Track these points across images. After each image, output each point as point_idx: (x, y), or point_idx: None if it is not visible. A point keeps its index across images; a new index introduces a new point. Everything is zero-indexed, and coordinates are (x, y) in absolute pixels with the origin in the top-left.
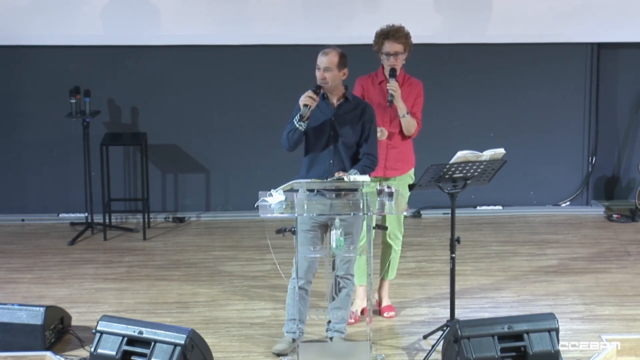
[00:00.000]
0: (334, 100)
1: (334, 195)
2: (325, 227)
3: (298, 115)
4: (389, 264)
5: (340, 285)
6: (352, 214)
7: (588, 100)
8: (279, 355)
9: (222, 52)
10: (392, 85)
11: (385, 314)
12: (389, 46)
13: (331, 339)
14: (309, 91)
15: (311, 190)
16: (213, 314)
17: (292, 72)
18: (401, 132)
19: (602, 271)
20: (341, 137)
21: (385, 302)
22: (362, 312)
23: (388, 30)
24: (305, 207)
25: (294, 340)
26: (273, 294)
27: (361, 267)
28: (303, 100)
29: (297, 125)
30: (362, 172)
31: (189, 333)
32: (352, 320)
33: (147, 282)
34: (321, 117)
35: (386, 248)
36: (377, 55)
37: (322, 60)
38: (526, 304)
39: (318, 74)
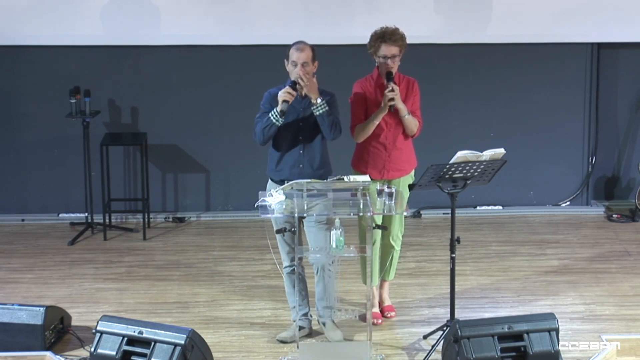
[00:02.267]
0: (303, 93)
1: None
2: (300, 220)
3: (278, 111)
4: (390, 265)
5: (319, 278)
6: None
7: (588, 100)
8: (282, 342)
9: (222, 52)
10: (390, 91)
11: (386, 314)
12: (386, 49)
13: (324, 324)
14: (287, 87)
15: (280, 183)
16: (213, 314)
17: None
18: (403, 132)
19: (602, 271)
20: (309, 128)
21: (387, 302)
22: (382, 311)
23: (383, 32)
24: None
25: (301, 328)
26: (273, 294)
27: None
28: (282, 96)
29: (274, 121)
30: (329, 114)
31: (189, 333)
32: (380, 321)
33: (147, 282)
34: (291, 110)
35: (387, 249)
36: (372, 57)
37: (299, 57)
38: (526, 304)
39: (295, 69)
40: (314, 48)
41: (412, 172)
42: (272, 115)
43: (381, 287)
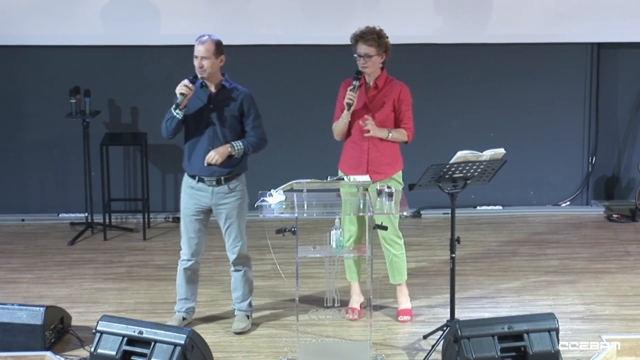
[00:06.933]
0: (212, 88)
1: (214, 183)
2: (209, 212)
3: (174, 104)
4: (391, 268)
5: (232, 269)
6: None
7: (588, 100)
8: None
9: None
10: (350, 95)
11: (399, 318)
12: (360, 48)
13: (236, 314)
14: (185, 80)
15: (193, 178)
16: (213, 314)
17: (292, 72)
18: None
19: (602, 271)
20: (219, 123)
21: (402, 306)
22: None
23: (360, 32)
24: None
25: (184, 319)
26: (273, 294)
27: (349, 265)
28: (179, 89)
29: (175, 114)
30: (247, 145)
31: (189, 333)
32: (356, 317)
33: (147, 282)
34: (199, 105)
35: (386, 252)
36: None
37: (199, 50)
38: (526, 304)
39: (196, 62)
40: (220, 42)
41: (398, 176)
42: (172, 108)
43: (396, 290)
